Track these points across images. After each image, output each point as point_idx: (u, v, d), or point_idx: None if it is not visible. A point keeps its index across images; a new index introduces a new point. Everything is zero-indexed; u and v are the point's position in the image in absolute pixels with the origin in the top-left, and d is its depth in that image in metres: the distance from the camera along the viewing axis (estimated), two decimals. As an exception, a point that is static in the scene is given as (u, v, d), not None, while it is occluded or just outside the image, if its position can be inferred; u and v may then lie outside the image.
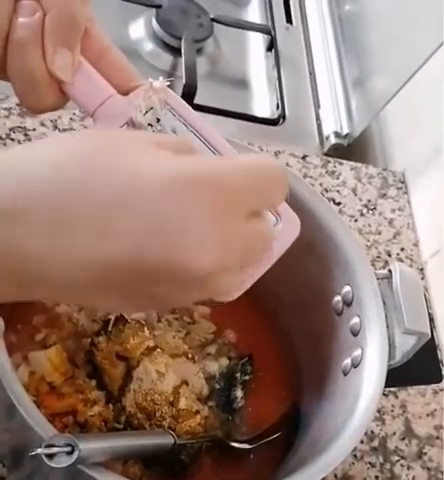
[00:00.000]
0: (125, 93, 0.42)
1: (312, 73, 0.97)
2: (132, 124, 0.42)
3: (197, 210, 0.33)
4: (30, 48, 0.40)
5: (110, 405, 0.55)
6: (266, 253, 0.39)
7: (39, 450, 0.40)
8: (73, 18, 0.41)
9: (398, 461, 0.67)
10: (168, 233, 0.33)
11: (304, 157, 0.85)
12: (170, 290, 0.35)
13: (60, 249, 0.32)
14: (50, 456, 0.40)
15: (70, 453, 0.40)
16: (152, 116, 0.42)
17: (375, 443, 0.68)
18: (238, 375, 0.61)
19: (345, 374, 0.56)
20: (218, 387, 0.60)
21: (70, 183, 0.33)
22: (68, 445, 0.40)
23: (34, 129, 0.73)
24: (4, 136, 0.71)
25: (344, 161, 0.87)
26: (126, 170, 0.33)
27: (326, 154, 0.89)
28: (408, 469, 0.67)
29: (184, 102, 0.43)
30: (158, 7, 0.92)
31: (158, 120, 0.42)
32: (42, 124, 0.73)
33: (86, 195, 0.32)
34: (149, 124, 0.42)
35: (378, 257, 0.81)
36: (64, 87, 0.41)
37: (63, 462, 0.40)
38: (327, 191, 0.83)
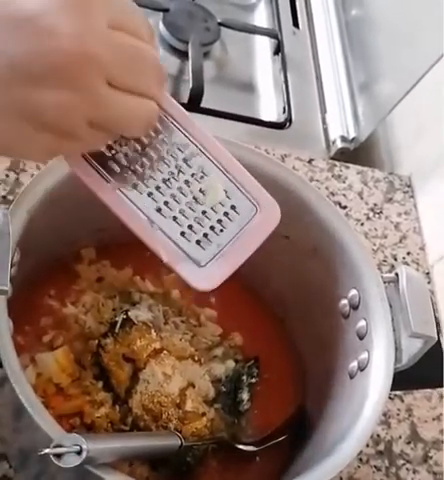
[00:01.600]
0: None
1: (319, 77, 0.97)
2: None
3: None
4: None
5: (117, 407, 0.55)
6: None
7: (47, 450, 0.40)
8: None
9: (404, 465, 0.67)
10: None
11: (310, 161, 0.85)
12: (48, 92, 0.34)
13: None
14: (58, 456, 0.40)
15: (78, 453, 0.40)
16: None
17: (381, 447, 0.68)
18: (244, 378, 0.61)
19: (351, 377, 0.56)
20: (224, 390, 0.60)
21: None
22: (76, 445, 0.40)
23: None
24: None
25: (350, 165, 0.87)
26: None
27: (332, 158, 0.89)
28: (414, 473, 0.67)
29: (171, 99, 0.43)
30: (165, 11, 0.92)
31: None
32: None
33: None
34: None
35: (384, 261, 0.81)
36: None
37: (71, 462, 0.40)
38: (333, 195, 0.84)
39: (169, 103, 0.42)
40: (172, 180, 0.43)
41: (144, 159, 0.42)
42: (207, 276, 0.43)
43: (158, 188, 0.42)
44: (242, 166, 0.44)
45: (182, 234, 0.43)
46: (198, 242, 0.43)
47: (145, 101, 0.39)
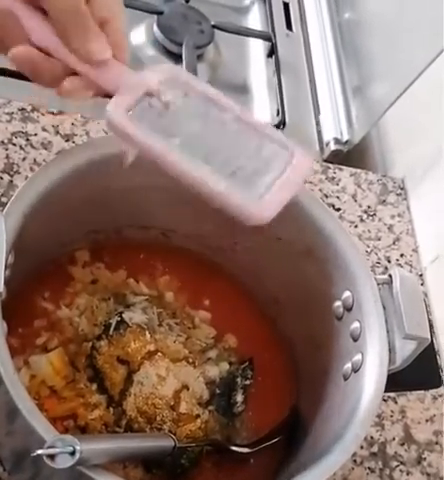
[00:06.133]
0: None
1: (312, 80, 0.97)
2: (150, 94, 0.46)
3: None
4: None
5: (111, 409, 0.55)
6: None
7: (40, 451, 0.40)
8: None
9: (397, 466, 0.67)
10: None
11: (304, 163, 0.85)
12: None
13: None
14: (51, 457, 0.40)
15: (71, 454, 0.40)
16: (165, 86, 0.47)
17: (374, 448, 0.68)
18: (238, 380, 0.61)
19: (345, 379, 0.56)
20: (218, 391, 0.60)
21: None
22: (69, 446, 0.40)
23: (36, 134, 0.73)
24: (6, 141, 0.71)
25: (344, 167, 0.88)
26: None
27: (326, 160, 0.89)
28: (407, 475, 0.67)
29: (191, 75, 0.49)
30: (159, 13, 0.92)
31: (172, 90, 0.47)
32: (44, 129, 0.74)
33: None
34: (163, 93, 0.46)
35: (378, 263, 0.81)
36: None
37: (64, 463, 0.40)
38: (327, 197, 0.84)
39: (204, 87, 0.48)
40: (215, 134, 0.47)
41: (189, 122, 0.46)
42: (263, 208, 0.45)
43: (204, 144, 0.46)
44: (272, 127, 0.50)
45: (233, 174, 0.46)
46: (249, 180, 0.46)
47: None
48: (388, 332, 0.54)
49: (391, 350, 0.54)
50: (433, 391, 0.72)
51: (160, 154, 0.45)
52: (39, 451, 0.40)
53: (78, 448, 0.40)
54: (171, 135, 0.45)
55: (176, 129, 0.45)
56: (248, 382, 0.62)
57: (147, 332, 0.58)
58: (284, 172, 0.47)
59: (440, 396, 0.73)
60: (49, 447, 0.40)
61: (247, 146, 0.47)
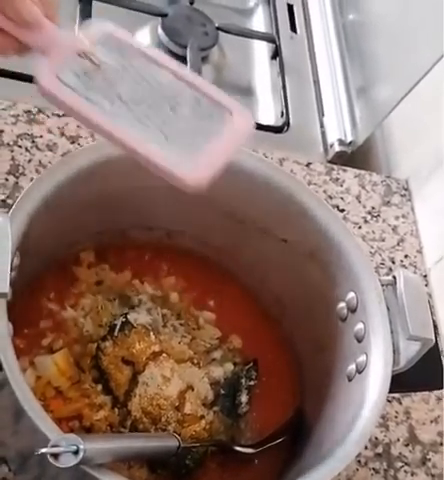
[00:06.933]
0: None
1: (316, 81, 0.97)
2: (82, 55, 0.45)
3: None
4: None
5: (116, 410, 0.56)
6: None
7: (44, 450, 0.40)
8: None
9: (402, 467, 0.68)
10: None
11: (308, 164, 0.85)
12: None
13: None
14: (55, 456, 0.40)
15: (75, 453, 0.40)
16: (99, 46, 0.46)
17: (379, 449, 0.68)
18: (243, 380, 0.61)
19: (349, 380, 0.56)
20: (223, 392, 0.60)
21: None
22: (73, 445, 0.40)
23: (41, 136, 0.73)
24: (12, 143, 0.72)
25: (348, 168, 0.88)
26: None
27: (330, 161, 0.89)
28: (412, 475, 0.67)
29: (128, 33, 0.48)
30: (164, 16, 0.92)
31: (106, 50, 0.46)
32: (49, 131, 0.74)
33: None
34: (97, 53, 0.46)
35: (382, 264, 0.81)
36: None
37: (68, 462, 0.40)
38: (331, 198, 0.84)
39: (140, 45, 0.48)
40: (150, 94, 0.46)
41: (123, 80, 0.46)
42: (197, 173, 0.44)
43: (138, 103, 0.45)
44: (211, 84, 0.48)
45: (167, 138, 0.45)
46: (183, 144, 0.45)
47: None
48: (392, 333, 0.54)
49: (395, 351, 0.54)
50: (437, 392, 0.72)
51: (88, 117, 0.44)
52: (43, 450, 0.40)
53: (81, 447, 0.40)
54: (104, 97, 0.45)
55: (110, 91, 0.45)
56: (252, 383, 0.62)
57: (152, 333, 0.58)
58: (220, 134, 0.46)
59: (444, 397, 0.73)
60: (53, 446, 0.41)
61: (184, 106, 0.46)
